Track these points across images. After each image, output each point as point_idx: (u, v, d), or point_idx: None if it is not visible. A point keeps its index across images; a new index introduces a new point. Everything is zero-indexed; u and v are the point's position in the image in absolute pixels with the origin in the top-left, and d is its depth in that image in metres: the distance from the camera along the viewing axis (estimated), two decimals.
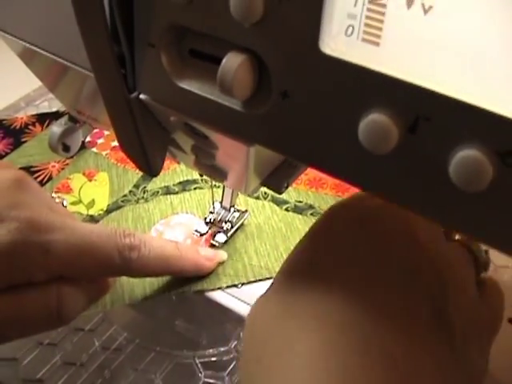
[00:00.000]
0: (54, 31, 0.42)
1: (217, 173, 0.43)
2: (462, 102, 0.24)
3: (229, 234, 0.61)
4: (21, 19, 0.44)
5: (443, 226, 0.28)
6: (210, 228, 0.62)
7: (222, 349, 0.53)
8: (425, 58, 0.25)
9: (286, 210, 0.66)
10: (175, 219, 0.66)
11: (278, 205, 0.66)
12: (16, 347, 0.54)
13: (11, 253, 0.42)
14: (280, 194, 0.45)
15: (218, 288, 0.58)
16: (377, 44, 0.26)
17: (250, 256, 0.61)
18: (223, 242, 0.60)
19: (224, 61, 0.30)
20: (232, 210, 0.61)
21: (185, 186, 0.70)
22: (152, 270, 0.52)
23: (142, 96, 0.37)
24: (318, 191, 0.68)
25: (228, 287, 0.58)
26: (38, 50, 0.44)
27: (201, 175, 0.66)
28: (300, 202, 0.67)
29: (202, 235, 0.61)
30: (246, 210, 0.63)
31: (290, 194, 0.68)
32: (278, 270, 0.57)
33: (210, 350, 0.53)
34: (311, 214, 0.65)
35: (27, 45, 0.45)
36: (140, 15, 0.34)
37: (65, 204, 0.68)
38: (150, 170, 0.42)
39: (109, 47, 0.35)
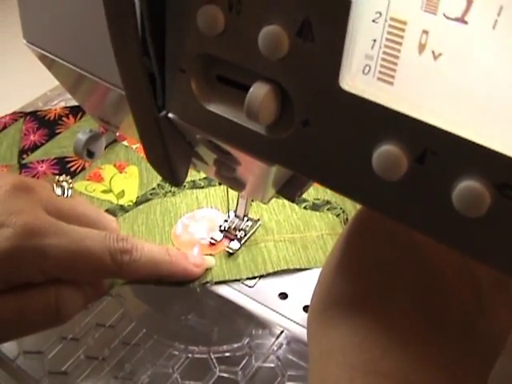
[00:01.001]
0: (83, 45, 0.45)
1: (236, 183, 0.46)
2: (464, 138, 0.27)
3: (242, 242, 0.64)
4: (50, 32, 0.47)
5: (446, 247, 0.31)
6: (224, 236, 0.65)
7: (236, 345, 0.56)
8: (433, 98, 0.28)
9: (305, 208, 0.69)
10: (200, 213, 0.69)
11: (297, 204, 0.70)
12: (41, 341, 0.58)
13: (10, 257, 0.46)
14: (293, 202, 0.48)
15: (239, 280, 0.61)
16: (391, 83, 0.29)
17: (269, 249, 0.64)
18: (237, 249, 0.64)
19: (251, 90, 0.33)
20: (245, 219, 0.65)
21: (210, 181, 0.73)
22: (143, 274, 0.54)
23: (170, 115, 0.40)
24: (345, 197, 0.71)
25: (247, 279, 0.62)
26: (63, 62, 0.47)
27: (214, 182, 0.70)
28: (318, 199, 0.70)
29: (217, 243, 0.65)
30: (259, 219, 0.67)
31: (309, 193, 0.71)
32: (294, 262, 0.62)
33: (224, 346, 0.56)
34: (327, 210, 0.68)
35: (56, 58, 0.47)
36: (171, 41, 0.37)
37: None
38: (175, 179, 0.45)
39: (141, 66, 0.38)
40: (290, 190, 0.48)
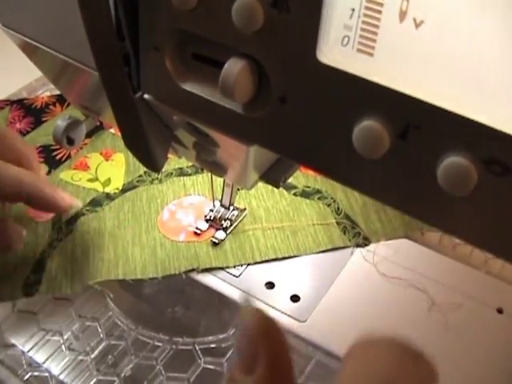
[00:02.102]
0: (59, 29, 0.43)
1: (217, 168, 0.44)
2: (449, 111, 0.26)
3: (228, 232, 0.63)
4: (25, 16, 0.45)
5: (431, 227, 0.30)
6: (210, 225, 0.63)
7: (221, 336, 0.55)
8: (416, 69, 0.26)
9: (294, 194, 0.68)
10: (187, 200, 0.68)
11: (286, 189, 0.68)
12: (20, 332, 0.56)
13: None
14: (278, 187, 0.47)
15: (226, 267, 0.60)
16: (371, 54, 0.27)
17: (257, 238, 0.63)
18: (222, 239, 0.62)
19: (226, 66, 0.31)
20: (231, 208, 0.63)
21: (198, 168, 0.71)
22: (8, 191, 0.55)
23: (146, 96, 0.39)
24: (326, 177, 0.69)
25: (234, 267, 0.60)
26: (41, 46, 0.45)
27: (201, 169, 0.68)
28: (308, 187, 0.69)
29: (202, 232, 0.63)
30: (245, 209, 0.65)
31: (299, 180, 0.69)
32: (283, 250, 0.60)
33: (210, 337, 0.55)
34: (318, 199, 0.67)
35: (31, 41, 0.46)
36: (145, 19, 0.36)
37: None
38: (154, 165, 0.44)
39: (114, 46, 0.37)
40: (274, 175, 0.46)
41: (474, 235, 0.28)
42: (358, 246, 0.60)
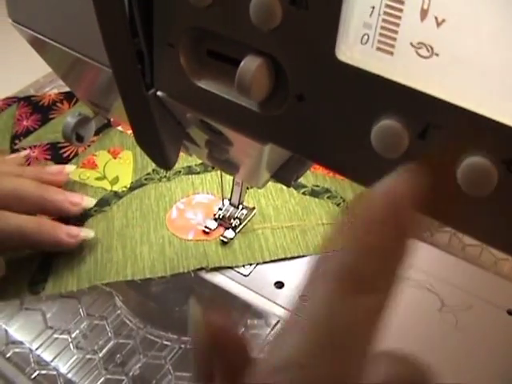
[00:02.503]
0: (71, 25, 0.43)
1: (229, 166, 0.44)
2: (471, 111, 0.25)
3: (237, 231, 0.62)
4: (36, 12, 0.45)
5: (452, 228, 0.30)
6: (219, 224, 0.63)
7: None
8: (437, 69, 0.26)
9: (303, 193, 0.67)
10: (196, 198, 0.67)
11: (295, 188, 0.68)
12: (28, 331, 0.56)
13: None
14: (289, 186, 0.47)
15: (235, 266, 0.60)
16: (391, 53, 0.27)
17: (266, 237, 0.62)
18: (231, 238, 0.62)
19: (242, 63, 0.31)
20: (240, 207, 0.63)
21: (206, 166, 0.71)
22: (11, 244, 0.58)
23: (159, 93, 0.39)
24: (335, 176, 0.69)
25: (243, 267, 0.60)
26: (52, 42, 0.45)
27: (211, 167, 0.67)
28: (317, 186, 0.68)
29: (211, 231, 0.63)
30: (254, 208, 0.65)
31: (308, 179, 0.69)
32: (292, 249, 0.60)
33: None
34: (327, 198, 0.66)
35: (42, 37, 0.46)
36: (160, 15, 0.35)
37: None
38: (165, 163, 0.43)
39: (128, 43, 0.36)
40: (285, 174, 0.46)
41: (495, 237, 0.28)
42: None
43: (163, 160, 0.43)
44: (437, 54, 0.26)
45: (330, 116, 0.30)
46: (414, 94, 0.27)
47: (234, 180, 0.59)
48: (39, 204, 0.61)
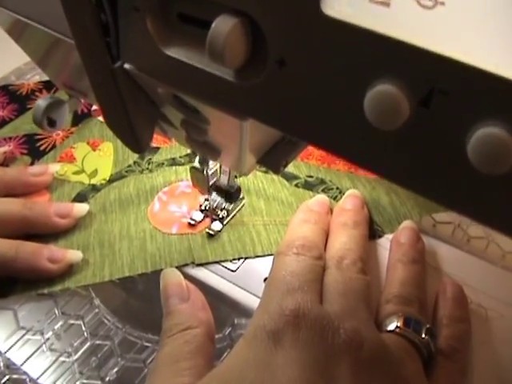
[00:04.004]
0: (48, 3, 0.39)
1: (210, 150, 0.40)
2: (484, 72, 0.21)
3: (225, 222, 0.58)
4: None
5: (457, 213, 0.25)
6: (205, 216, 0.59)
7: (216, 336, 0.50)
8: (442, 21, 0.21)
9: (296, 185, 0.63)
10: (180, 187, 0.63)
11: (287, 180, 0.63)
12: None
13: None
14: (277, 173, 0.42)
15: (224, 261, 0.55)
16: (387, 5, 0.22)
17: (258, 231, 0.58)
18: (218, 230, 0.57)
19: (214, 24, 0.27)
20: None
21: (192, 158, 0.66)
22: None
23: (126, 65, 0.34)
24: (330, 167, 0.64)
25: (232, 261, 0.56)
26: (21, 18, 0.41)
27: (193, 153, 0.62)
28: (311, 177, 0.64)
29: (197, 223, 0.58)
30: (243, 197, 0.60)
31: (301, 169, 0.64)
32: None
33: None
34: (322, 190, 0.62)
35: (10, 13, 0.42)
36: None
37: None
38: (137, 146, 0.39)
39: (89, 13, 0.32)
40: (273, 160, 0.42)
41: (508, 222, 0.23)
42: (370, 238, 0.55)
43: (135, 143, 0.39)
44: (442, 3, 0.21)
45: (315, 83, 0.26)
46: (415, 52, 0.22)
47: (220, 167, 0.55)
48: (24, 226, 0.56)
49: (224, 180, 0.54)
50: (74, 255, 0.55)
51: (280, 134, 0.41)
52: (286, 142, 0.42)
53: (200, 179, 0.53)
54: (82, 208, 0.59)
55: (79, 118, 0.74)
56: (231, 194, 0.54)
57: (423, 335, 0.43)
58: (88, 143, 0.70)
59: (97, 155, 0.69)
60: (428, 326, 0.44)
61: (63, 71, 0.48)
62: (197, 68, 0.30)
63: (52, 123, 0.51)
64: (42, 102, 0.50)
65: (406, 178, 0.25)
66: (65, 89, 0.51)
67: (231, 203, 0.57)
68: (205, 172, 0.52)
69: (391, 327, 0.43)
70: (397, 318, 0.44)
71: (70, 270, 0.55)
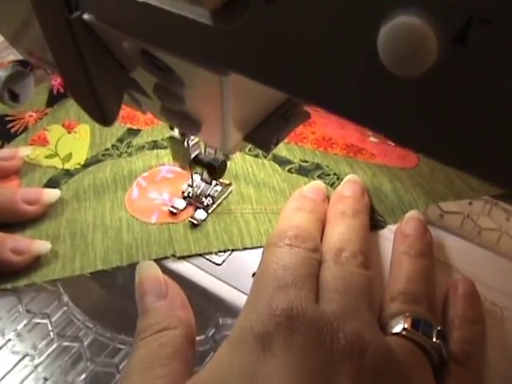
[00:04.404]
0: None
1: (188, 122, 0.34)
2: None
3: (210, 211, 0.52)
4: None
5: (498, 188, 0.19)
6: (188, 203, 0.53)
7: (198, 338, 0.44)
8: None
9: (289, 171, 0.57)
10: (161, 172, 0.57)
11: (280, 165, 0.57)
12: None
13: None
14: (267, 152, 0.37)
15: (208, 253, 0.49)
16: None
17: (247, 220, 0.52)
18: (203, 219, 0.52)
19: None
20: (214, 182, 0.53)
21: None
22: None
23: (85, 16, 0.28)
24: (326, 151, 0.59)
25: (218, 253, 0.50)
26: None
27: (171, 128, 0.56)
28: (306, 161, 0.58)
29: (179, 212, 0.52)
30: (231, 183, 0.54)
31: (295, 153, 0.59)
32: None
33: None
34: (318, 176, 0.56)
35: None
36: None
37: None
38: (103, 117, 0.33)
39: None
40: (262, 136, 0.36)
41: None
42: (371, 228, 0.50)
43: (101, 113, 0.33)
44: None
45: (312, 20, 0.20)
46: None
47: (205, 148, 0.49)
48: None
49: (209, 154, 0.48)
50: (42, 246, 0.50)
51: (269, 108, 0.36)
52: (278, 117, 0.37)
53: (180, 151, 0.47)
54: (52, 194, 0.54)
55: (55, 99, 0.68)
56: (215, 169, 0.48)
57: (434, 339, 0.37)
58: (63, 125, 0.65)
59: (72, 138, 0.63)
60: (439, 327, 0.38)
61: (18, 31, 0.42)
62: (168, 13, 0.24)
63: (14, 97, 0.45)
64: (1, 72, 0.44)
65: (426, 139, 0.20)
66: (34, 61, 0.46)
67: (215, 180, 0.51)
68: (185, 143, 0.46)
69: (397, 329, 0.38)
70: (404, 319, 0.38)
71: (36, 263, 0.49)
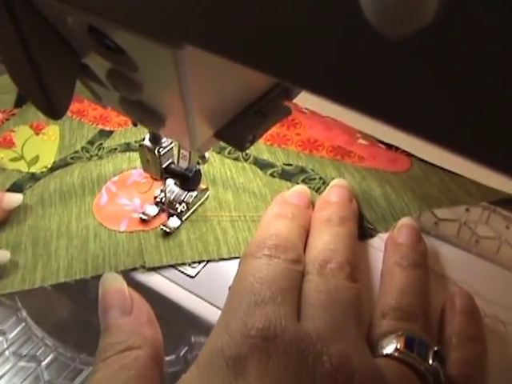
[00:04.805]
0: None
1: (149, 115, 0.30)
2: None
3: (184, 218, 0.48)
4: None
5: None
6: (160, 210, 0.49)
7: (168, 358, 0.40)
8: None
9: (272, 175, 0.53)
10: (133, 176, 0.53)
11: (261, 169, 0.54)
12: None
13: None
14: (242, 150, 0.33)
15: (181, 264, 0.45)
16: None
17: (224, 228, 0.48)
18: (176, 227, 0.48)
19: None
20: None
21: None
22: None
23: None
24: (312, 154, 0.55)
25: (192, 264, 0.46)
26: None
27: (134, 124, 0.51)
28: (289, 165, 0.54)
29: (150, 219, 0.48)
30: (207, 188, 0.50)
31: (277, 156, 0.55)
32: None
33: None
34: (303, 181, 0.52)
35: None
36: None
37: None
38: (52, 108, 0.29)
39: None
40: (236, 133, 0.32)
41: None
42: (360, 237, 0.46)
43: (48, 104, 0.29)
44: None
45: None
46: None
47: (179, 150, 0.45)
48: None
49: (183, 164, 0.44)
50: (0, 256, 0.45)
51: (242, 101, 0.32)
52: (253, 112, 0.33)
53: (151, 160, 0.43)
54: (13, 198, 0.50)
55: (23, 99, 0.64)
56: (188, 179, 0.44)
57: (430, 360, 0.33)
58: (31, 126, 0.61)
59: (40, 140, 0.59)
60: (436, 348, 0.34)
61: None
62: None
63: None
64: None
65: (423, 123, 0.15)
66: None
67: (188, 191, 0.47)
68: (156, 151, 0.42)
69: (389, 350, 0.33)
70: (396, 338, 0.34)
71: None
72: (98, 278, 0.44)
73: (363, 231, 0.47)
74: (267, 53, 0.17)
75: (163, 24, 0.20)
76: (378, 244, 0.46)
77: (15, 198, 0.50)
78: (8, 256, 0.46)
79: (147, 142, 0.42)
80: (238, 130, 0.32)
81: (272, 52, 0.17)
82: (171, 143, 0.44)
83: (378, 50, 0.15)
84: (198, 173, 0.44)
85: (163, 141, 0.43)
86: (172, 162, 0.44)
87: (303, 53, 0.16)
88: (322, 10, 0.15)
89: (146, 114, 0.30)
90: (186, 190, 0.47)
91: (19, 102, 0.64)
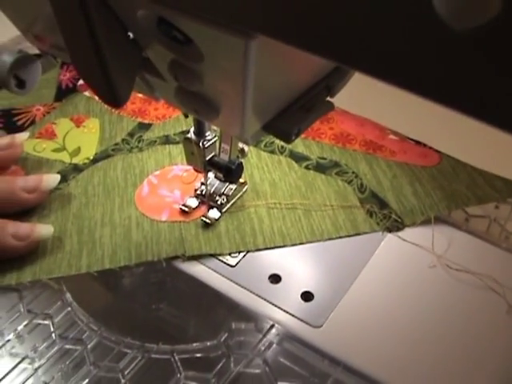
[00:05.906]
0: None
1: (205, 106, 0.31)
2: None
3: (223, 210, 0.50)
4: None
5: None
6: (200, 202, 0.51)
7: (209, 343, 0.42)
8: None
9: (307, 167, 0.55)
10: (174, 171, 0.55)
11: (296, 161, 0.56)
12: None
13: None
14: (289, 142, 0.34)
15: (219, 254, 0.47)
16: None
17: (260, 218, 0.50)
18: (216, 218, 0.49)
19: None
20: None
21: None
22: None
23: None
24: (345, 147, 0.56)
25: (230, 255, 0.47)
26: None
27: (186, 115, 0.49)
28: (323, 158, 0.56)
29: (191, 210, 0.50)
30: (245, 182, 0.52)
31: (312, 149, 0.57)
32: (293, 236, 0.48)
33: (194, 345, 0.42)
34: (336, 174, 0.54)
35: None
36: None
37: None
38: (115, 98, 0.31)
39: None
40: (283, 126, 0.34)
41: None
42: (388, 230, 0.47)
43: (111, 93, 0.30)
44: None
45: None
46: None
47: (220, 143, 0.46)
48: None
49: (224, 157, 0.46)
50: (44, 230, 0.48)
51: (290, 97, 0.33)
52: (299, 107, 0.34)
53: (195, 152, 0.45)
54: (51, 179, 0.52)
55: (63, 93, 0.66)
56: (231, 171, 0.45)
57: None
58: (71, 119, 0.63)
59: (80, 132, 0.61)
60: None
61: (37, 20, 0.40)
62: None
63: (21, 84, 0.43)
64: (7, 56, 0.42)
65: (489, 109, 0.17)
66: (38, 44, 0.43)
67: (231, 183, 0.49)
68: (200, 144, 0.44)
69: None
70: None
71: (42, 259, 0.47)
72: (141, 265, 0.46)
73: (391, 224, 0.48)
74: (343, 43, 0.18)
75: (237, 14, 0.21)
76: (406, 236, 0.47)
77: (53, 179, 0.52)
78: (51, 230, 0.48)
79: (192, 135, 0.44)
80: (285, 123, 0.34)
81: (347, 42, 0.19)
82: (215, 136, 0.45)
83: (445, 41, 0.16)
84: (241, 165, 0.46)
85: (207, 134, 0.44)
86: (215, 155, 0.46)
87: (376, 42, 0.18)
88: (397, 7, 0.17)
89: (202, 104, 0.31)
90: (228, 182, 0.48)
91: (59, 97, 0.66)
